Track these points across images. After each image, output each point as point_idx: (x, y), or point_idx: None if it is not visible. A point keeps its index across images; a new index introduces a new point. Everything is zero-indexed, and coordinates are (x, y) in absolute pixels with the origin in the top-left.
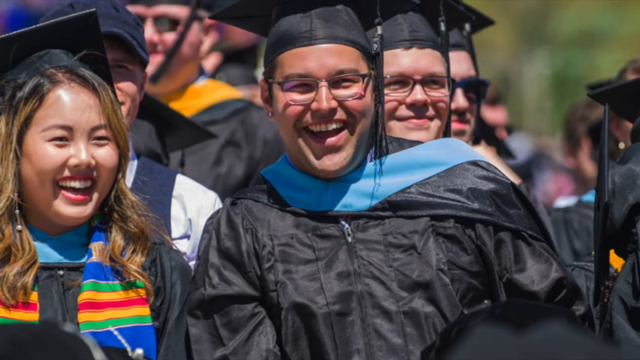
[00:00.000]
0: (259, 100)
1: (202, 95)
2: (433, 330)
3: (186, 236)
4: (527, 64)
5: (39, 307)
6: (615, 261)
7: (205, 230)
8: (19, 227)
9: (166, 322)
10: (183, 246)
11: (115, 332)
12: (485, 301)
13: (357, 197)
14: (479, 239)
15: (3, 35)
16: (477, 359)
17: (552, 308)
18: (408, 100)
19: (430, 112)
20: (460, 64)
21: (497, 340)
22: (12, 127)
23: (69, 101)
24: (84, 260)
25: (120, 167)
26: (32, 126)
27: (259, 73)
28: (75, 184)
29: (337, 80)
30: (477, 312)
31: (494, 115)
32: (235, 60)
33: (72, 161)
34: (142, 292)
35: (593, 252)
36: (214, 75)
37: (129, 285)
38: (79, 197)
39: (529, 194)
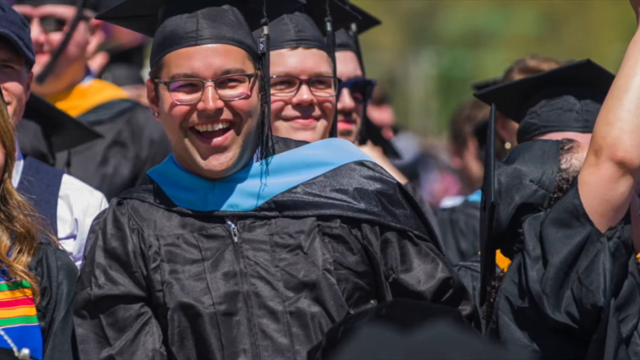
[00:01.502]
0: (145, 100)
1: (88, 95)
2: (319, 330)
3: (72, 236)
4: (414, 64)
5: None
6: (502, 261)
7: (92, 230)
8: None
9: (52, 322)
10: (69, 246)
11: (2, 332)
12: (372, 301)
13: (243, 197)
14: (365, 239)
15: None
16: (363, 359)
17: (438, 308)
18: (294, 100)
19: (317, 112)
20: (346, 64)
21: (383, 340)
22: None
23: None
24: None
25: (6, 167)
26: None
27: (145, 73)
28: None
29: (223, 80)
30: (363, 312)
31: (380, 115)
32: (122, 60)
33: None
34: (28, 292)
35: (479, 252)
36: (100, 75)
37: (15, 286)
38: None
39: (415, 194)
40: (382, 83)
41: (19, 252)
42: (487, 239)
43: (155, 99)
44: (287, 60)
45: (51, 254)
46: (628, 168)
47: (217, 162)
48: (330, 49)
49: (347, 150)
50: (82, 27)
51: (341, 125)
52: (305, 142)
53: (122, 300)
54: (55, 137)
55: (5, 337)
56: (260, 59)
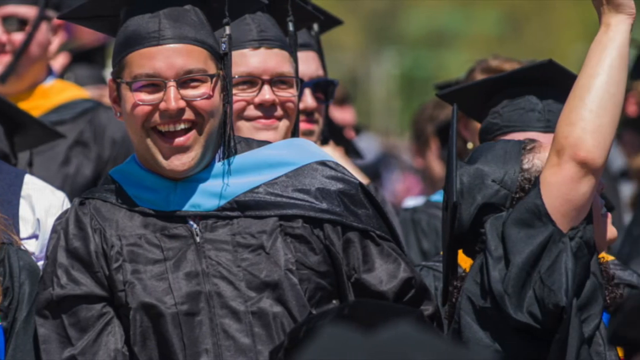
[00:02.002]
0: (107, 100)
1: (51, 95)
2: (281, 330)
3: (34, 236)
4: (376, 64)
5: None
6: (464, 261)
7: (54, 230)
8: None
9: (14, 322)
10: (31, 246)
11: None
12: (334, 301)
13: (205, 197)
14: (327, 239)
15: None
16: (326, 359)
17: (400, 308)
18: (256, 100)
19: (279, 112)
20: (308, 64)
21: (345, 340)
22: None
23: None
24: None
25: None
26: None
27: (108, 73)
28: None
29: (185, 80)
30: (325, 312)
31: (342, 115)
32: (84, 60)
33: None
34: None
35: (441, 252)
36: (62, 75)
37: None
38: None
39: (377, 194)
40: (344, 83)
41: None
42: (449, 239)
43: (118, 99)
44: (249, 60)
45: (13, 254)
46: (590, 168)
47: (179, 162)
48: (292, 49)
49: (309, 150)
50: (44, 27)
51: (303, 125)
52: (268, 142)
53: (84, 300)
54: (18, 137)
55: None
56: (222, 59)
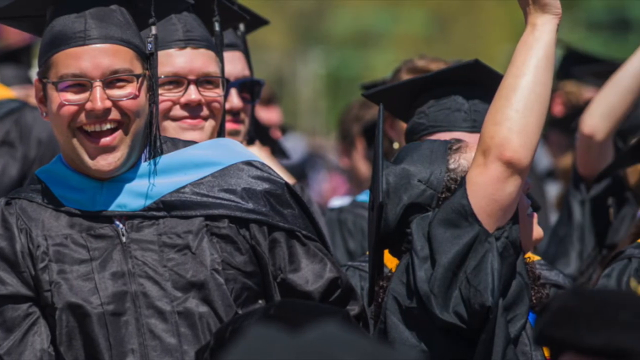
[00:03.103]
0: (33, 100)
1: None
2: (207, 330)
3: None
4: (302, 63)
5: None
6: (390, 261)
7: None
8: None
9: None
10: None
11: None
12: (260, 301)
13: (131, 197)
14: (254, 239)
15: None
16: (251, 359)
17: (326, 308)
18: (182, 100)
19: (205, 112)
20: (234, 64)
21: (271, 340)
22: None
23: None
24: None
25: None
26: None
27: (34, 73)
28: None
29: (111, 80)
30: (252, 312)
31: (268, 115)
32: (10, 60)
33: None
34: None
35: (367, 252)
36: None
37: None
38: None
39: (303, 194)
40: (271, 83)
41: None
42: (375, 239)
43: (44, 99)
44: (175, 60)
45: None
46: (516, 168)
47: (105, 162)
48: (218, 49)
49: (235, 150)
50: None
51: (229, 125)
52: (194, 142)
53: (10, 300)
54: None
55: None
56: (148, 59)
